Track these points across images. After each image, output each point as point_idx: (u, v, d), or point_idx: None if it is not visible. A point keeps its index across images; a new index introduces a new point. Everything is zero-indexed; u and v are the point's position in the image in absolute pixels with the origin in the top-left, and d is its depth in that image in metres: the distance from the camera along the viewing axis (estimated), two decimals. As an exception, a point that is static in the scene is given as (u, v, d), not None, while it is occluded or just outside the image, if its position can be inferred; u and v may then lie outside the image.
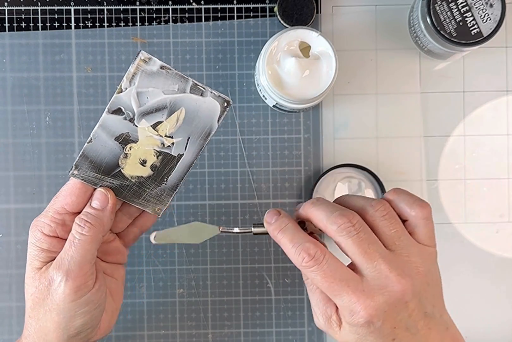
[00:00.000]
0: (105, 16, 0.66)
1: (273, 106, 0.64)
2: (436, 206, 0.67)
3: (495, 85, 0.67)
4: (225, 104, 0.52)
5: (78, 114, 0.66)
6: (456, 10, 0.60)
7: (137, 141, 0.52)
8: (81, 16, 0.66)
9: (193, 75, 0.65)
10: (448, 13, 0.60)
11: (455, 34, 0.60)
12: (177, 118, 0.52)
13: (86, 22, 0.66)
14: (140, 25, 0.66)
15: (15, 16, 0.66)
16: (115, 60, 0.66)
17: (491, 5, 0.60)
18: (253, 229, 0.52)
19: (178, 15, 0.66)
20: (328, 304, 0.48)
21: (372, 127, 0.67)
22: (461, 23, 0.60)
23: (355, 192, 0.65)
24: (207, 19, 0.66)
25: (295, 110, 0.64)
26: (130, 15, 0.66)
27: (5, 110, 0.66)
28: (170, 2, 0.66)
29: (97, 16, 0.66)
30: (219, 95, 0.52)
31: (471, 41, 0.60)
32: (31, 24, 0.66)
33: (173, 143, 0.52)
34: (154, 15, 0.66)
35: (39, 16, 0.66)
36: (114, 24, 0.66)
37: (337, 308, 0.48)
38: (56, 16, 0.66)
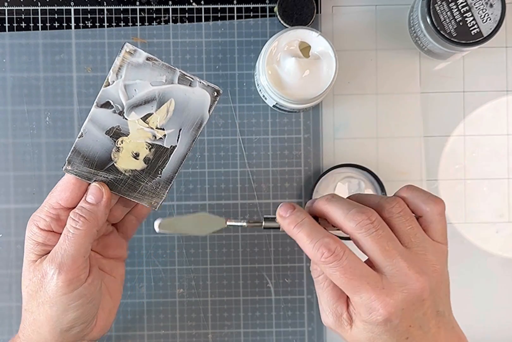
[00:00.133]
0: (105, 16, 0.66)
1: (273, 106, 0.64)
2: (436, 206, 0.67)
3: (495, 85, 0.67)
4: (215, 94, 0.51)
5: (78, 114, 0.66)
6: (456, 10, 0.60)
7: (128, 135, 0.51)
8: (81, 16, 0.66)
9: (193, 75, 0.65)
10: (448, 13, 0.60)
11: (455, 34, 0.60)
12: (167, 109, 0.51)
13: (86, 22, 0.66)
14: (140, 25, 0.66)
15: (15, 16, 0.66)
16: (115, 60, 0.65)
17: (491, 5, 0.60)
18: (264, 223, 0.50)
19: (178, 15, 0.66)
20: (339, 302, 0.48)
21: (372, 127, 0.67)
22: (461, 23, 0.60)
23: (355, 192, 0.65)
24: (207, 19, 0.66)
25: (295, 110, 0.64)
26: (130, 15, 0.66)
27: (5, 110, 0.66)
28: (170, 2, 0.66)
29: (97, 16, 0.66)
30: (208, 85, 0.51)
31: (471, 41, 0.60)
32: (31, 24, 0.66)
33: (165, 135, 0.52)
34: (154, 15, 0.66)
35: (39, 16, 0.66)
36: (114, 24, 0.66)
37: (347, 306, 0.48)
38: (56, 16, 0.66)
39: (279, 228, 0.50)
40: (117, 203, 0.55)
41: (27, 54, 0.66)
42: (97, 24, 0.66)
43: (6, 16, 0.66)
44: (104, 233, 0.56)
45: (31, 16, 0.66)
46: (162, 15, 0.66)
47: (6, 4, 0.66)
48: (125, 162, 0.52)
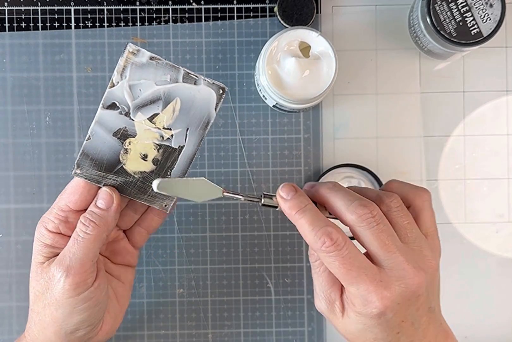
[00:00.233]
0: (105, 16, 0.66)
1: (273, 106, 0.64)
2: (436, 205, 0.66)
3: (495, 85, 0.67)
4: (221, 91, 0.51)
5: (78, 114, 0.66)
6: (456, 10, 0.60)
7: (135, 136, 0.51)
8: (81, 16, 0.66)
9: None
10: (448, 13, 0.60)
11: (455, 34, 0.60)
12: (173, 109, 0.51)
13: (86, 22, 0.66)
14: (140, 25, 0.66)
15: (15, 16, 0.66)
16: (115, 60, 0.65)
17: (491, 5, 0.60)
18: (263, 200, 0.50)
19: (178, 15, 0.66)
20: (333, 289, 0.48)
21: (372, 127, 0.67)
22: (461, 23, 0.60)
23: (355, 192, 0.65)
24: (207, 19, 0.66)
25: (295, 110, 0.64)
26: (130, 15, 0.66)
27: (5, 110, 0.66)
28: (170, 2, 0.66)
29: (97, 16, 0.66)
30: (213, 83, 0.51)
31: (471, 41, 0.60)
32: (31, 24, 0.66)
33: (172, 135, 0.51)
34: (154, 15, 0.66)
35: (39, 16, 0.66)
36: (114, 24, 0.66)
37: (341, 293, 0.48)
38: (56, 16, 0.66)
39: (276, 207, 0.49)
40: (127, 208, 0.55)
41: (27, 54, 0.66)
42: (97, 24, 0.66)
43: (6, 16, 0.66)
44: (114, 238, 0.56)
45: (31, 16, 0.66)
46: (162, 15, 0.66)
47: (6, 4, 0.66)
48: (134, 164, 0.52)
